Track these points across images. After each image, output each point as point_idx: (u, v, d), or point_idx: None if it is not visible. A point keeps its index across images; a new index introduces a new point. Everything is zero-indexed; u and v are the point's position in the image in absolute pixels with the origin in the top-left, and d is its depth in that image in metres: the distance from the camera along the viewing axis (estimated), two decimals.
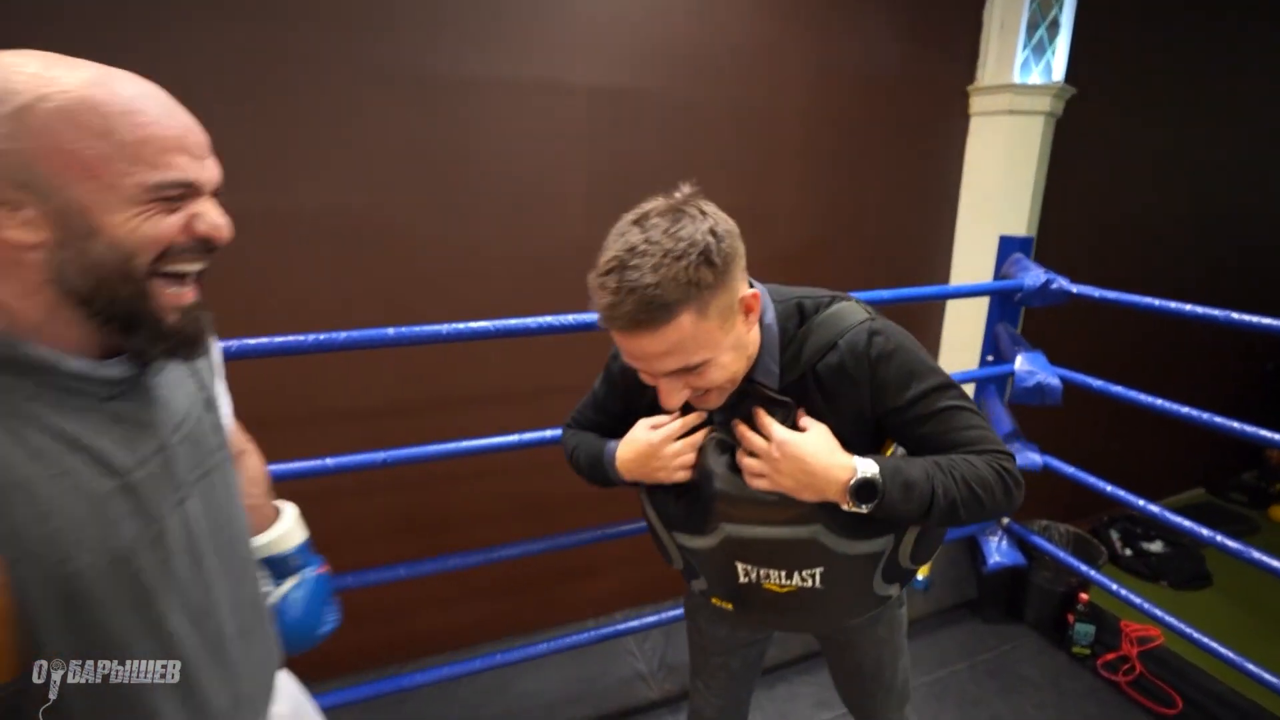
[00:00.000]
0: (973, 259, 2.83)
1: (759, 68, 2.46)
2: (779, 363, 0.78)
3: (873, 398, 0.77)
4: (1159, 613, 1.63)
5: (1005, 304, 2.09)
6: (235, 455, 0.78)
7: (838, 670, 1.12)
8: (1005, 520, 2.02)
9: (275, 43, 1.47)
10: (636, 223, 0.67)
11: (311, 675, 1.70)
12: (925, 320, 2.97)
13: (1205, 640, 1.53)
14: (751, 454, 0.77)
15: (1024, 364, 1.80)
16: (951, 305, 2.89)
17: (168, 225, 0.49)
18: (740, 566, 0.85)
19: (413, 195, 1.74)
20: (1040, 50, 2.77)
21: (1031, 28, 2.74)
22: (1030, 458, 1.86)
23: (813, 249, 2.68)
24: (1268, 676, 1.42)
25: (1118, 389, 1.66)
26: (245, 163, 1.53)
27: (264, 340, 1.05)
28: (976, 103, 2.87)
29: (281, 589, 0.76)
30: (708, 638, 1.08)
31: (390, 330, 1.09)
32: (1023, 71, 2.76)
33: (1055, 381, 1.76)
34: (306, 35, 1.52)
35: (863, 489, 0.73)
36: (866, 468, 0.73)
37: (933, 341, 2.99)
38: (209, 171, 0.52)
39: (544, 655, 1.54)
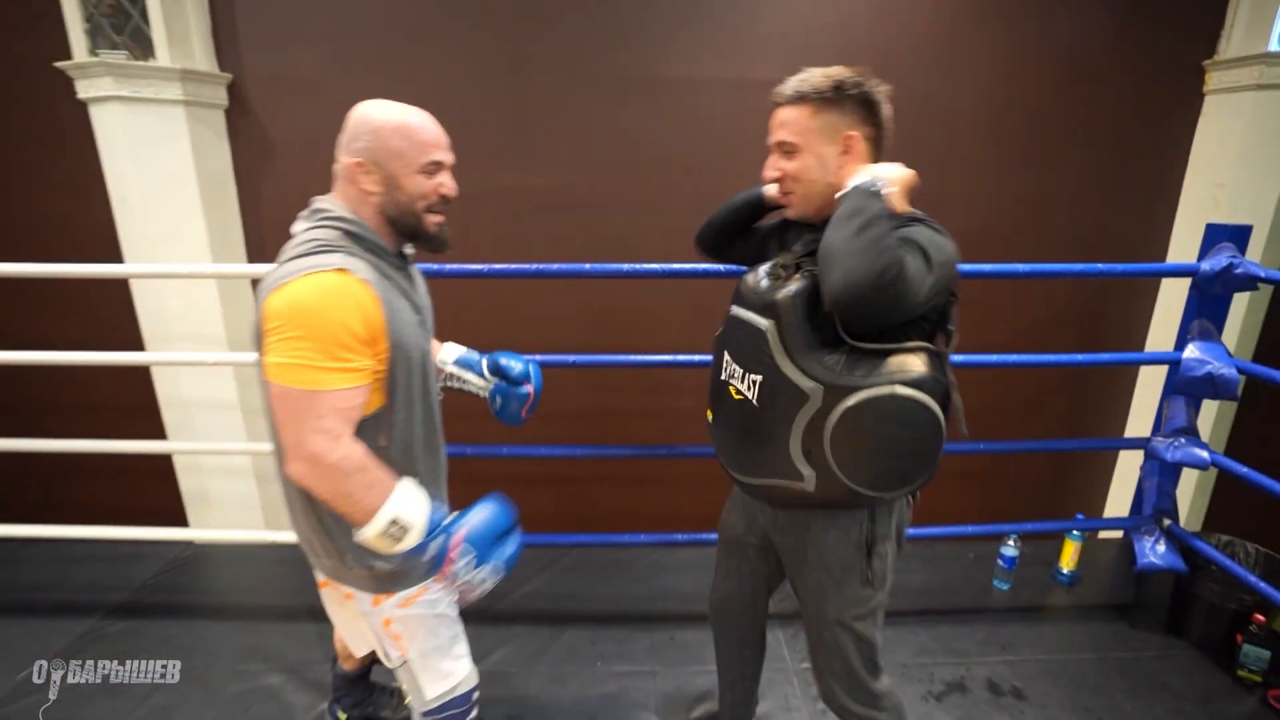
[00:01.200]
0: (1194, 254, 2.56)
1: (941, 61, 2.56)
2: None
3: None
4: None
5: (1205, 297, 1.94)
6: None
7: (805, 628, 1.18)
8: (1166, 522, 1.89)
9: (519, 54, 2.13)
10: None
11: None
12: (1136, 322, 2.76)
13: None
14: None
15: (1194, 353, 1.70)
16: (1165, 300, 2.66)
17: (430, 184, 0.98)
18: (725, 356, 1.07)
19: (614, 176, 2.29)
20: None
21: None
22: (1198, 455, 1.74)
23: (989, 237, 2.67)
24: None
25: None
26: (497, 150, 2.20)
27: (503, 266, 1.62)
28: (1214, 79, 2.59)
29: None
30: (722, 522, 1.33)
31: (587, 265, 1.58)
32: None
33: (1229, 372, 1.63)
34: (544, 46, 2.16)
35: (868, 182, 0.92)
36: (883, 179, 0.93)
37: (1137, 343, 2.76)
38: (450, 158, 1.01)
39: (679, 545, 1.93)
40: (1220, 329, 1.90)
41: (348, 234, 0.94)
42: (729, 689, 1.46)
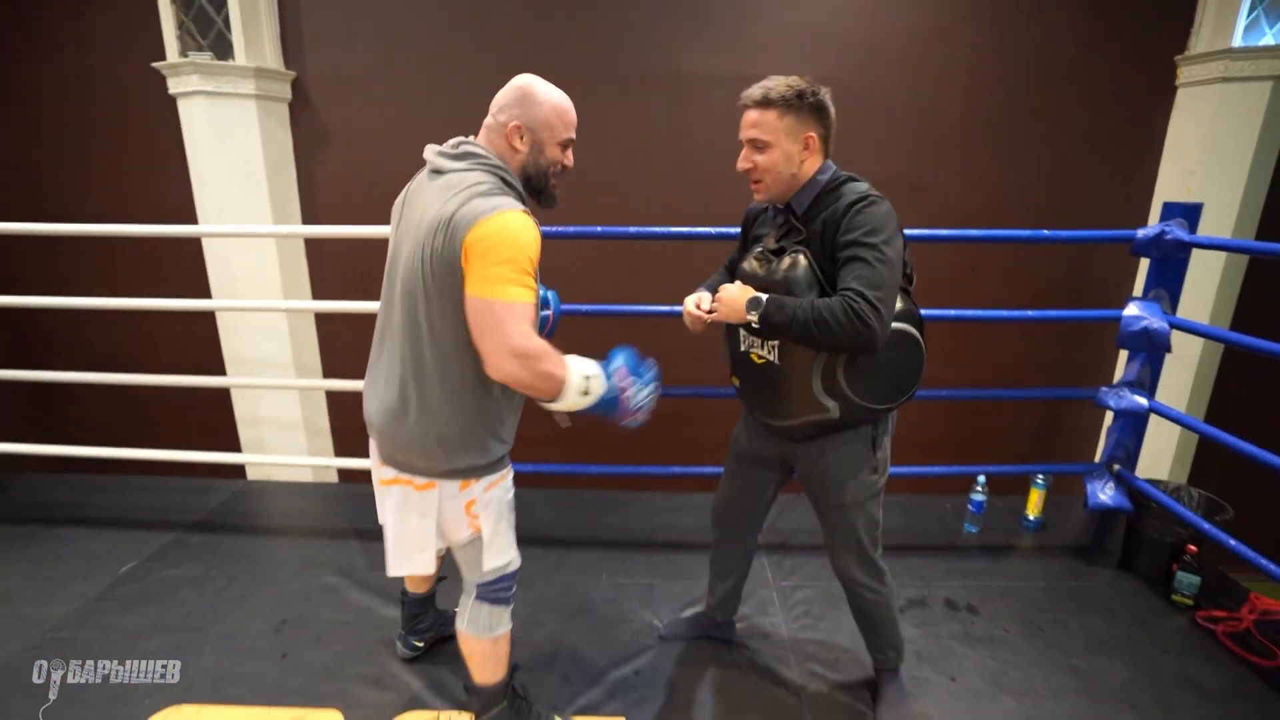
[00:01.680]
0: None
1: (930, 56, 2.80)
2: (810, 199, 1.24)
3: (835, 229, 1.17)
4: None
5: (1164, 265, 2.10)
6: None
7: (812, 498, 1.43)
8: (1116, 467, 2.09)
9: (543, 53, 2.41)
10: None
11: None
12: (1120, 291, 2.94)
13: None
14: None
15: (1133, 310, 1.91)
16: (1145, 270, 2.86)
17: (563, 156, 1.23)
18: (741, 332, 1.32)
19: (625, 162, 2.55)
20: (1275, 11, 2.60)
21: None
22: (1137, 402, 1.95)
23: (972, 218, 2.89)
24: None
25: (1235, 336, 1.71)
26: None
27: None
28: (1185, 73, 2.80)
29: None
30: (733, 439, 1.55)
31: (599, 228, 1.87)
32: (1247, 36, 2.63)
33: (1162, 326, 1.85)
34: (566, 46, 2.43)
35: (752, 302, 1.19)
36: (760, 295, 1.19)
37: None
38: (574, 135, 1.23)
39: (677, 478, 2.19)
40: (1177, 292, 2.09)
41: (504, 181, 1.13)
42: (720, 583, 1.70)
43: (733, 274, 1.44)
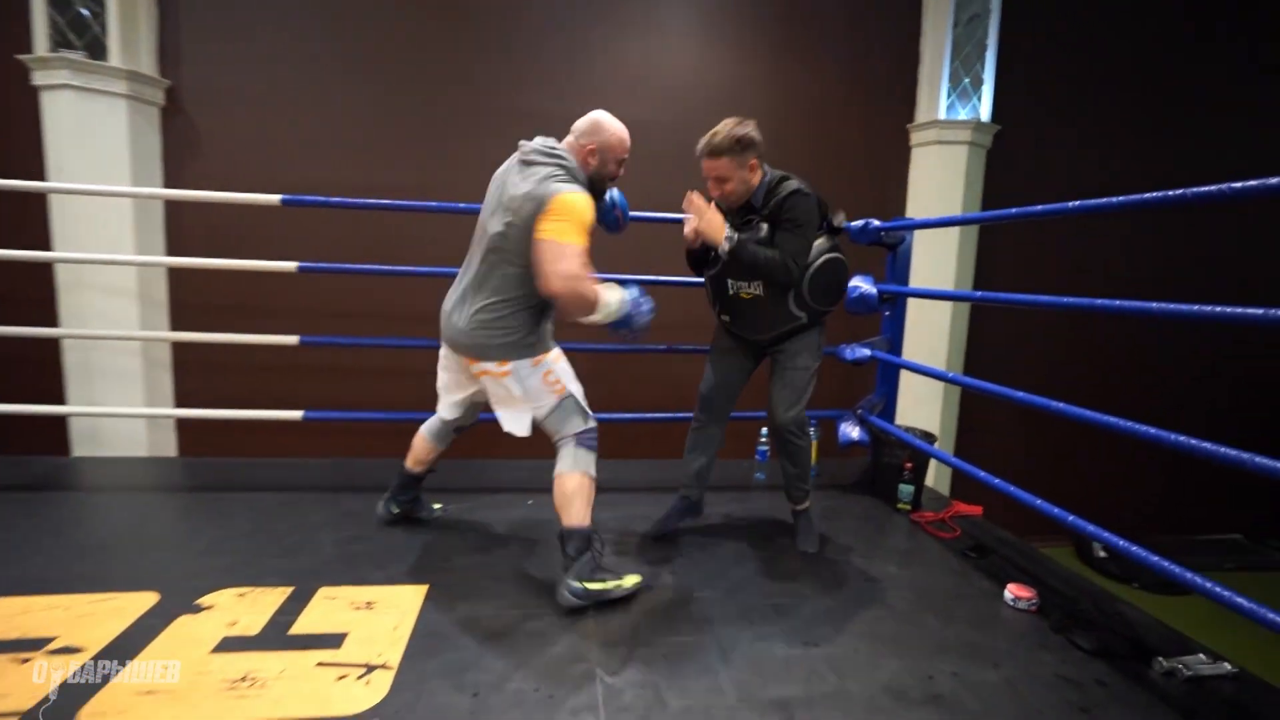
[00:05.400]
0: (918, 255, 3.44)
1: (726, 107, 3.49)
2: (762, 194, 1.82)
3: (779, 210, 1.78)
4: (985, 476, 1.97)
5: (894, 255, 2.74)
6: None
7: (773, 379, 1.98)
8: (859, 411, 2.63)
9: (407, 83, 2.84)
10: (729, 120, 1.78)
11: None
12: None
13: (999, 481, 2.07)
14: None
15: (855, 283, 2.52)
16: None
17: (617, 169, 1.74)
18: (729, 282, 1.88)
19: (477, 182, 2.99)
20: (966, 95, 3.53)
21: (955, 78, 3.52)
22: (863, 352, 2.52)
23: None
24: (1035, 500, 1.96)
25: (925, 290, 2.32)
26: (424, 158, 2.87)
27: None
28: (915, 136, 3.66)
29: None
30: (715, 345, 2.08)
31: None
32: (949, 112, 3.52)
33: (871, 291, 2.45)
34: (428, 75, 2.86)
35: (728, 235, 1.77)
36: (733, 233, 1.77)
37: None
38: (627, 155, 1.76)
39: None
40: (907, 273, 2.73)
41: (575, 177, 1.64)
42: (697, 460, 2.09)
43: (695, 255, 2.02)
